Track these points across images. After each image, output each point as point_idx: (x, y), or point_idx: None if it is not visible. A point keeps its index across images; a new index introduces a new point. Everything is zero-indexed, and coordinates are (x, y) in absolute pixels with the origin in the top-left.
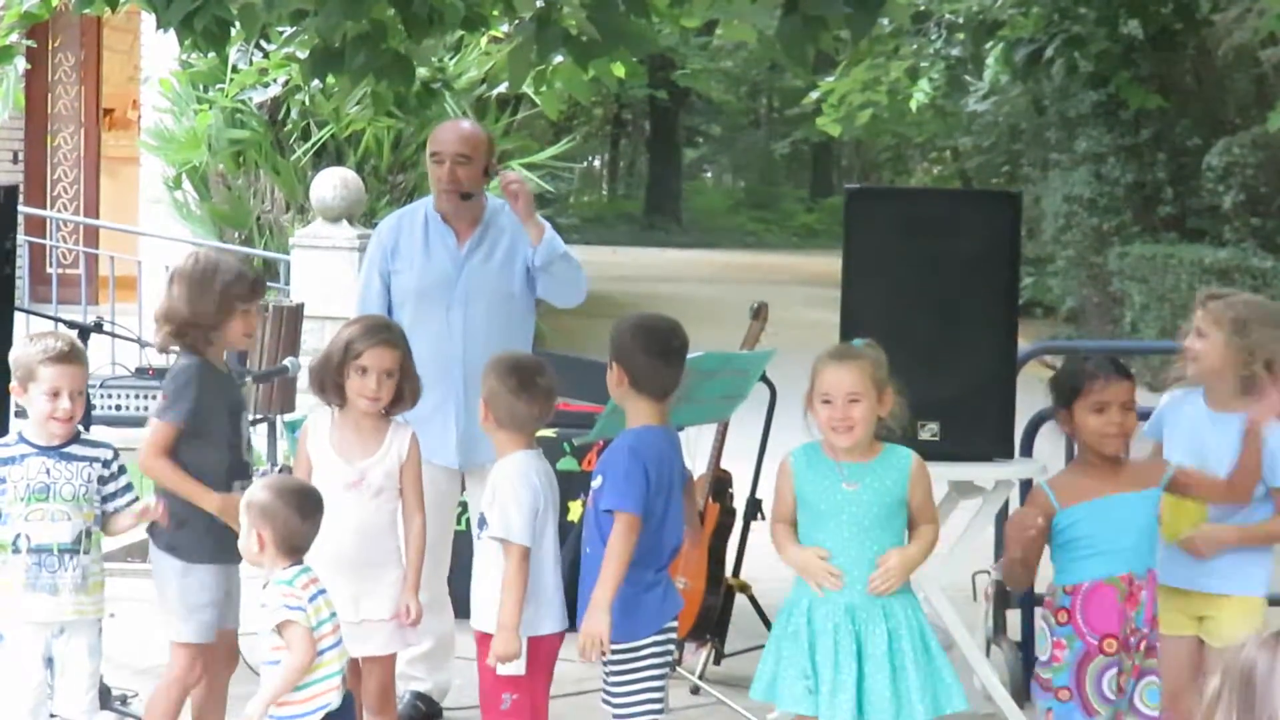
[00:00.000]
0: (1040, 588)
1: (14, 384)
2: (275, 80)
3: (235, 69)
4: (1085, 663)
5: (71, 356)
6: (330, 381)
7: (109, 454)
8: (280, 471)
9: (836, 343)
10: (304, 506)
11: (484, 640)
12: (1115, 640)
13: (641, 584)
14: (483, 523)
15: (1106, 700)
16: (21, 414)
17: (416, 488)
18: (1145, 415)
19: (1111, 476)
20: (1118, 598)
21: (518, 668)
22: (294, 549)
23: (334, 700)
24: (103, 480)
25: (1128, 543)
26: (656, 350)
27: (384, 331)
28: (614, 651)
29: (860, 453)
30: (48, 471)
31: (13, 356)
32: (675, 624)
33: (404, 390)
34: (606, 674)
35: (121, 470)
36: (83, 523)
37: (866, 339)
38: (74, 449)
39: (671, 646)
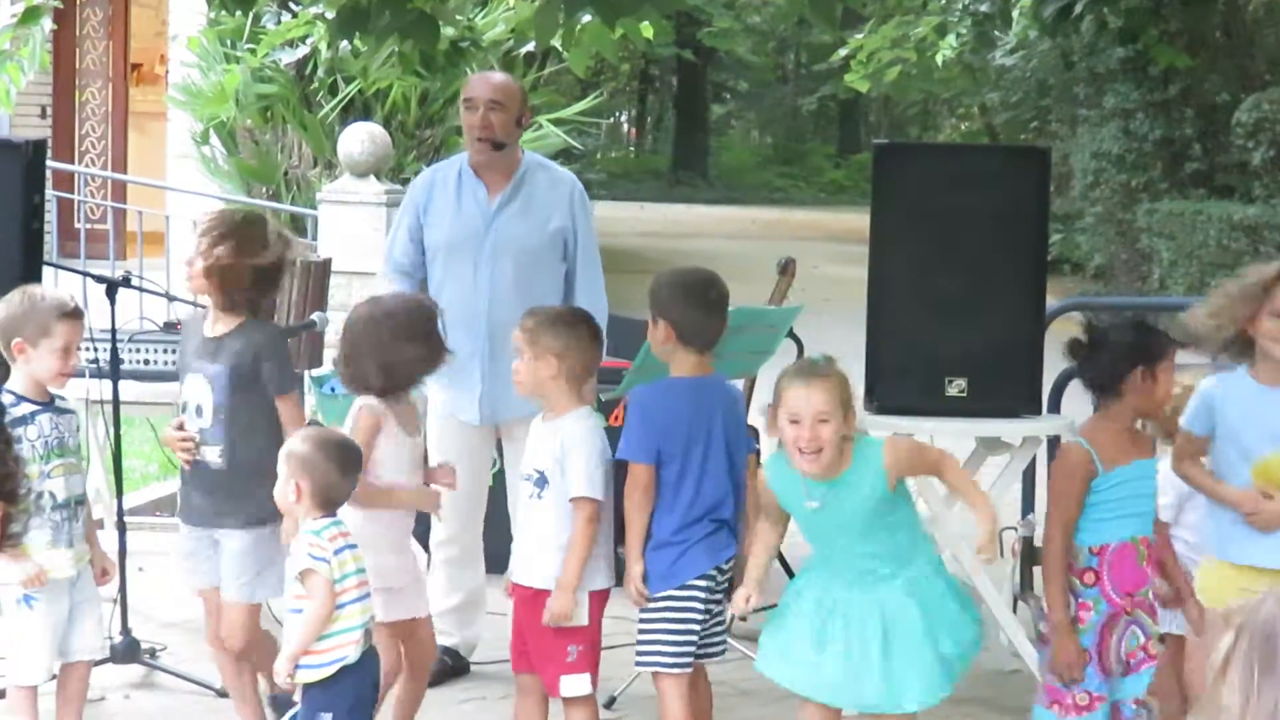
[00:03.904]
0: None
1: (17, 341)
2: (303, 42)
3: (263, 27)
4: (1111, 624)
5: (80, 312)
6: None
7: (70, 405)
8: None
9: (800, 359)
10: (344, 461)
11: (539, 597)
12: (1132, 599)
13: (667, 538)
14: (542, 481)
15: (1120, 661)
16: None
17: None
18: None
19: (1141, 440)
20: (1138, 559)
21: (581, 618)
22: (329, 502)
23: (351, 655)
24: (77, 429)
25: (1148, 507)
26: (698, 302)
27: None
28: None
29: (825, 470)
30: (56, 426)
31: (11, 316)
32: (714, 576)
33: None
34: (638, 621)
35: None
36: (82, 472)
37: (826, 355)
38: (59, 402)
39: (705, 600)
